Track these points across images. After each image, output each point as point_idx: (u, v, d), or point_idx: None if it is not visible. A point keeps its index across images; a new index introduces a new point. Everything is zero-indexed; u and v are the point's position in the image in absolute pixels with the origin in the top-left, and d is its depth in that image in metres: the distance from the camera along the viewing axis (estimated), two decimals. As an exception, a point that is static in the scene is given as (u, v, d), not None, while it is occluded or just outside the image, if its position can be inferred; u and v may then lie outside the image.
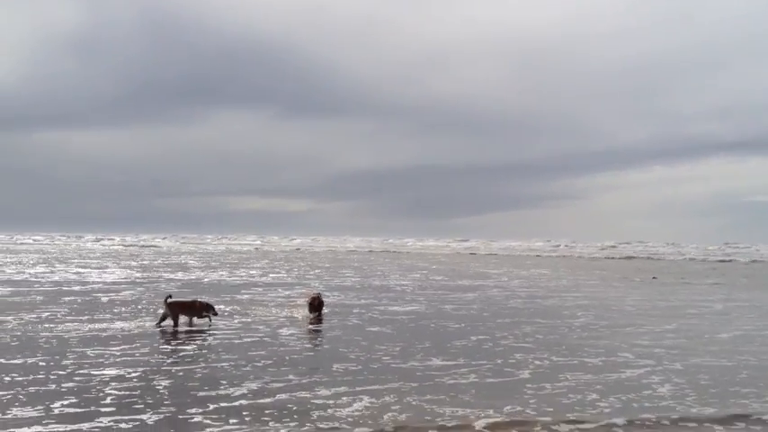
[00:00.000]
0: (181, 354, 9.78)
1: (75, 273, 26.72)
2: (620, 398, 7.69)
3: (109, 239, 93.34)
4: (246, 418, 6.54)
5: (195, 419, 6.47)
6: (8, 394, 7.13)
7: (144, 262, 37.63)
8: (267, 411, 6.78)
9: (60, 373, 8.22)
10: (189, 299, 13.69)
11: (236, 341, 11.18)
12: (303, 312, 14.64)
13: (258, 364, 9.19)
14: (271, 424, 6.36)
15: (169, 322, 12.48)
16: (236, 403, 7.08)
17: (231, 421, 6.42)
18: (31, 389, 7.40)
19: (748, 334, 13.35)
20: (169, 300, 12.72)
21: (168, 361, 9.21)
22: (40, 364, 8.74)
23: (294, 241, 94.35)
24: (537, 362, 9.83)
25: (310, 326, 13.18)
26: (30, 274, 25.60)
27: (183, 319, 12.74)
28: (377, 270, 33.99)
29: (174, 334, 11.71)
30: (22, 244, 75.74)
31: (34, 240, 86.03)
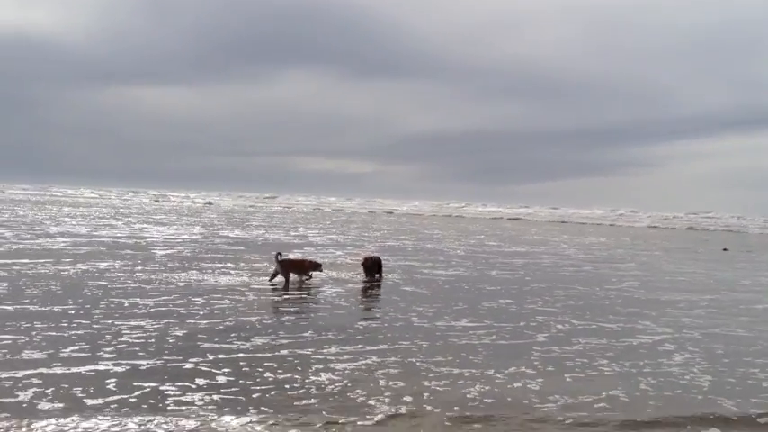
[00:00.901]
0: (214, 307, 10.11)
1: (136, 227, 27.78)
2: (623, 364, 7.72)
3: (175, 195, 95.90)
4: (244, 369, 6.78)
5: (187, 367, 6.73)
6: (24, 338, 7.49)
7: (204, 219, 38.76)
8: (266, 364, 6.98)
9: (83, 321, 8.56)
10: (299, 257, 14.14)
11: (274, 297, 11.59)
12: (353, 273, 14.81)
13: (282, 319, 9.54)
14: (266, 375, 6.59)
15: (280, 279, 13.05)
16: (235, 355, 7.29)
17: (224, 370, 6.67)
18: (49, 334, 7.76)
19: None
20: (280, 258, 13.18)
21: (200, 313, 9.53)
22: (70, 312, 9.13)
23: (355, 203, 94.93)
24: (558, 326, 9.91)
25: (350, 285, 13.43)
26: (93, 226, 26.75)
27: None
28: (433, 234, 34.13)
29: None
30: (88, 198, 78.56)
31: (99, 195, 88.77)
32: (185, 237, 23.80)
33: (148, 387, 6.00)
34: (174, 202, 78.27)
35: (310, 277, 13.45)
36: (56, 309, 9.27)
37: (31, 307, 9.34)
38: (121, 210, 46.99)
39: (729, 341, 9.37)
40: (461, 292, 13.15)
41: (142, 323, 8.65)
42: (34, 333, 7.78)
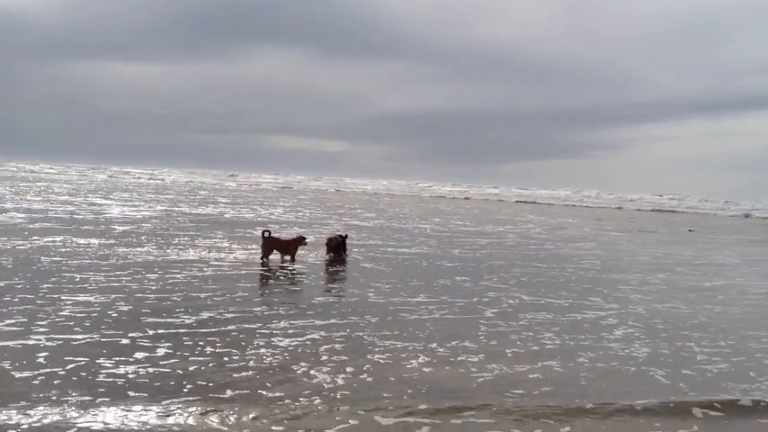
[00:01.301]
0: (167, 282, 10.02)
1: (96, 203, 27.39)
2: (564, 338, 7.86)
3: (140, 172, 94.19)
4: (186, 343, 6.71)
5: (124, 342, 6.65)
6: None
7: (168, 196, 38.34)
8: (209, 338, 6.94)
9: (28, 296, 8.39)
10: (285, 237, 14.03)
11: (231, 272, 11.42)
12: (316, 251, 14.58)
13: (235, 295, 9.41)
14: (206, 349, 6.55)
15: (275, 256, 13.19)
16: (176, 330, 7.22)
17: (165, 344, 6.62)
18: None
19: (733, 284, 13.43)
20: (266, 235, 13.16)
21: (151, 288, 9.44)
22: (16, 286, 8.96)
23: (324, 182, 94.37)
24: (510, 301, 10.06)
25: (310, 261, 13.33)
26: (51, 202, 26.28)
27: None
28: (400, 213, 34.13)
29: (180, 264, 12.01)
30: (48, 173, 76.38)
31: (59, 171, 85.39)
32: (147, 213, 23.55)
33: (82, 361, 5.94)
34: (141, 179, 77.19)
35: (294, 254, 13.39)
36: (5, 284, 9.09)
37: (-25, 282, 9.14)
38: (83, 186, 46.27)
39: (671, 317, 9.58)
40: (420, 269, 13.22)
41: (89, 298, 8.53)
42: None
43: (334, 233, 15.22)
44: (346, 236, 14.65)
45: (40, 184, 44.25)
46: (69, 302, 8.22)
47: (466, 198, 69.64)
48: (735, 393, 6.12)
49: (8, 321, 7.11)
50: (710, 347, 7.81)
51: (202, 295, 9.23)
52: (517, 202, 65.49)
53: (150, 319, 7.63)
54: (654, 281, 13.08)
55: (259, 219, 24.28)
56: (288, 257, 13.32)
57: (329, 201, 45.46)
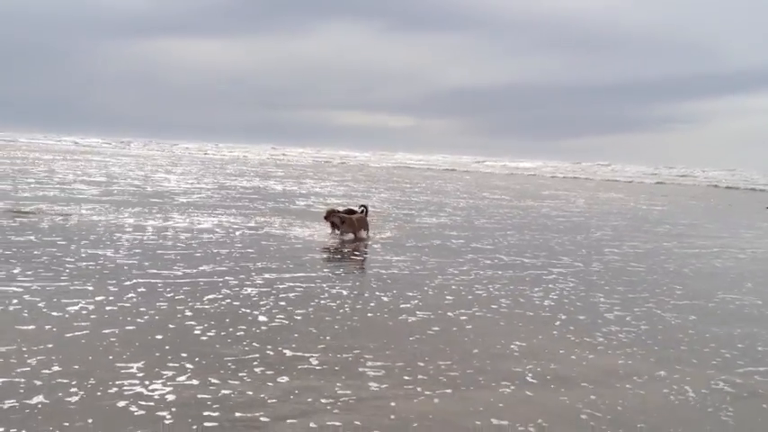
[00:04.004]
0: (197, 240, 11.12)
1: (161, 177, 29.29)
2: (496, 288, 8.77)
3: (214, 147, 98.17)
4: (158, 289, 7.55)
5: (89, 288, 7.49)
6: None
7: (228, 171, 39.90)
8: (183, 288, 7.70)
9: (51, 249, 9.54)
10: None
11: (256, 233, 12.43)
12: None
13: (244, 252, 10.32)
14: (167, 295, 7.34)
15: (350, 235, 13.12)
16: (156, 280, 8.03)
17: (135, 291, 7.47)
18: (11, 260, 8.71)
19: (721, 251, 13.78)
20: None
21: (178, 246, 10.44)
22: (60, 243, 10.16)
23: (386, 158, 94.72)
24: (486, 261, 10.88)
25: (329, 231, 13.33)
26: (118, 175, 28.15)
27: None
28: (448, 188, 34.43)
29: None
30: (121, 148, 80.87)
31: (122, 145, 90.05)
32: (204, 186, 25.19)
33: (40, 301, 6.86)
34: (211, 154, 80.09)
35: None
36: (46, 239, 10.44)
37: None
38: (157, 161, 48.88)
39: (619, 274, 10.30)
40: (423, 233, 14.00)
41: (107, 252, 9.55)
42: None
43: (333, 208, 14.25)
44: (366, 207, 14.00)
45: (113, 160, 46.80)
46: (84, 255, 9.31)
47: (531, 175, 68.53)
48: (599, 337, 6.80)
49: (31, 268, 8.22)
50: (619, 299, 8.57)
51: (215, 250, 10.28)
52: (574, 178, 64.41)
53: (146, 271, 8.49)
54: (642, 248, 13.56)
55: (303, 191, 25.38)
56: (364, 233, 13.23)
57: (382, 176, 45.86)
